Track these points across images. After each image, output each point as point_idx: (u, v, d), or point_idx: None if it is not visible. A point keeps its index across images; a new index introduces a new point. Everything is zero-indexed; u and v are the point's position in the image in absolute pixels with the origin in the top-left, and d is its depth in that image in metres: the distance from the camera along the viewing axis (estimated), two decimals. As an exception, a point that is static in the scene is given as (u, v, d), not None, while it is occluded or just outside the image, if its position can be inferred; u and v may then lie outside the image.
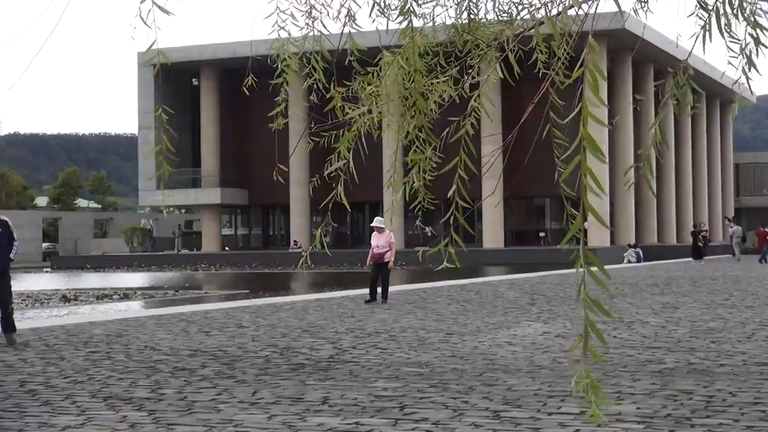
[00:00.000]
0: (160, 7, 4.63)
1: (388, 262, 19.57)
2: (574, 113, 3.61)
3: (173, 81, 69.81)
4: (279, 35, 5.93)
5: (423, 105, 5.62)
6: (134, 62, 72.67)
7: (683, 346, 11.23)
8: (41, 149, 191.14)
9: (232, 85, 71.22)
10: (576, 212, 3.70)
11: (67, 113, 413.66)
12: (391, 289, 24.39)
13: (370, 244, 19.94)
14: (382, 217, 20.74)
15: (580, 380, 3.64)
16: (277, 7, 5.84)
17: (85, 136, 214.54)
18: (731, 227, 49.81)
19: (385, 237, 19.69)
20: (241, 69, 70.94)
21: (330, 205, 5.69)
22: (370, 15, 5.97)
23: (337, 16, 6.06)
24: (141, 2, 4.70)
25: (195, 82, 73.11)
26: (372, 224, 20.19)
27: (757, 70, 4.72)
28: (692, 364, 9.69)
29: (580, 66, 3.54)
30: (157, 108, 5.52)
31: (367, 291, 19.96)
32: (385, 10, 5.93)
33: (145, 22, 4.64)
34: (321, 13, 6.00)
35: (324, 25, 6.16)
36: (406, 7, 5.60)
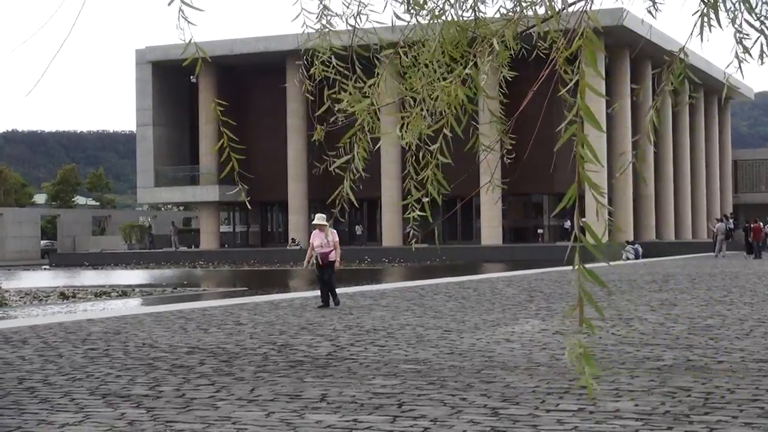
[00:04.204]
0: (189, 5, 4.68)
1: (334, 261, 17.99)
2: (572, 83, 3.60)
3: (171, 78, 69.75)
4: (304, 32, 5.91)
5: (464, 90, 5.53)
6: (132, 59, 72.62)
7: (681, 343, 11.23)
8: (39, 146, 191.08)
9: (231, 82, 71.18)
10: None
11: (65, 110, 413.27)
12: (389, 286, 24.35)
13: (311, 243, 18.30)
14: (324, 213, 18.97)
15: (573, 350, 3.60)
16: (302, 8, 5.84)
17: (84, 134, 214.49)
18: (714, 225, 50.24)
19: (328, 236, 18.13)
20: (239, 66, 71.04)
21: (336, 202, 5.67)
22: (385, 6, 5.95)
23: (354, 14, 6.04)
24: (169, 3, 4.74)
25: (193, 79, 73.08)
26: (313, 222, 18.72)
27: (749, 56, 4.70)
28: (690, 361, 9.69)
29: (579, 39, 3.54)
30: (211, 102, 5.50)
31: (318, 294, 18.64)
32: (410, 6, 5.91)
33: (187, 21, 4.68)
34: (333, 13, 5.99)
35: (333, 22, 6.15)
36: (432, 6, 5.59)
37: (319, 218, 18.47)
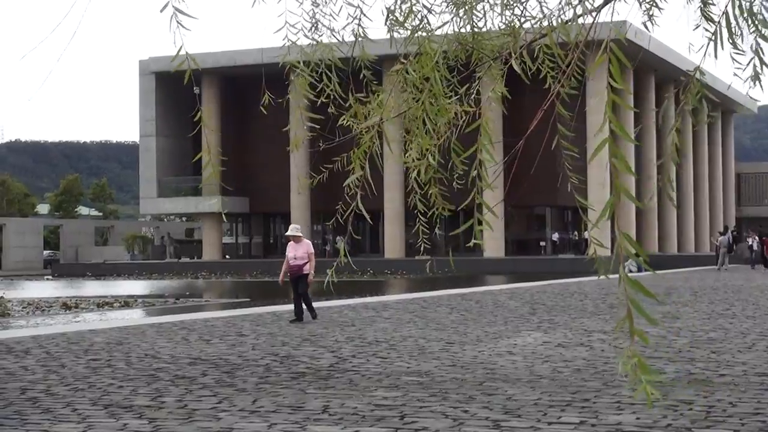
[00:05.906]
0: (181, 12, 4.69)
1: (307, 274, 17.40)
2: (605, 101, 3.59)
3: (174, 89, 69.85)
4: (287, 47, 5.94)
5: (445, 114, 5.57)
6: (135, 70, 72.79)
7: (683, 356, 11.23)
8: (42, 157, 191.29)
9: (233, 93, 71.28)
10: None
11: (68, 121, 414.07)
12: (392, 298, 24.29)
13: (286, 255, 17.79)
14: (298, 225, 18.58)
15: (628, 360, 3.60)
16: (286, 21, 5.86)
17: (87, 144, 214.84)
18: (717, 239, 50.59)
19: (303, 247, 17.61)
20: (242, 77, 71.12)
21: (348, 217, 5.67)
22: (385, 23, 5.97)
23: (343, 28, 6.06)
24: (161, 11, 4.76)
25: (196, 90, 73.21)
26: (287, 233, 18.11)
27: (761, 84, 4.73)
28: (692, 374, 9.69)
29: (603, 52, 3.56)
30: (196, 112, 5.50)
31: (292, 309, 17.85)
32: (399, 20, 5.92)
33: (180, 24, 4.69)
34: (327, 25, 6.01)
35: (333, 34, 6.16)
36: (419, 22, 5.60)
37: (293, 229, 17.96)
